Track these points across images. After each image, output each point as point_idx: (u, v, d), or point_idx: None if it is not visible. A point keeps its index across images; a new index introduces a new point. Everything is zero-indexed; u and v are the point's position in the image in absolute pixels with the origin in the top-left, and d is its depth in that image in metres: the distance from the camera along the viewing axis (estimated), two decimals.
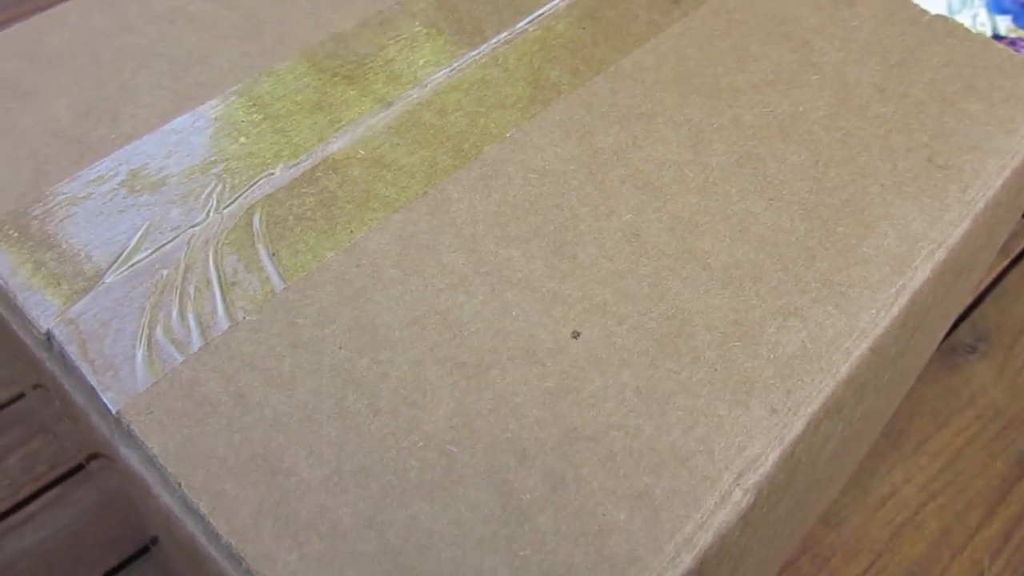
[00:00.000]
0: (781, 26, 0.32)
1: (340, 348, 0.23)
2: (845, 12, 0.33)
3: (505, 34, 0.31)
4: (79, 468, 0.53)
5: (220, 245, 0.25)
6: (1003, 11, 0.73)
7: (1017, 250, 0.67)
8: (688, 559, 0.20)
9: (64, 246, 0.25)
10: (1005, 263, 0.66)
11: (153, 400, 0.22)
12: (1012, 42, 0.72)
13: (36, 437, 0.55)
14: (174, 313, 0.23)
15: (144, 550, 0.50)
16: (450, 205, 0.26)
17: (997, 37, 0.73)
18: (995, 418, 0.58)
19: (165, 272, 0.24)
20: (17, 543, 0.51)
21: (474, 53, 0.31)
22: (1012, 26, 0.73)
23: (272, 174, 0.27)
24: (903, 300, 0.25)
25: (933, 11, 0.33)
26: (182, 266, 0.24)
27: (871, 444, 0.53)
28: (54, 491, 0.53)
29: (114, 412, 0.22)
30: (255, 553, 0.20)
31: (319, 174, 0.27)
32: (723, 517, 0.21)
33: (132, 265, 0.24)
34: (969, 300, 0.65)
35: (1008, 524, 0.54)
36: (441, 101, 0.29)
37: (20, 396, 0.57)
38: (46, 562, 0.50)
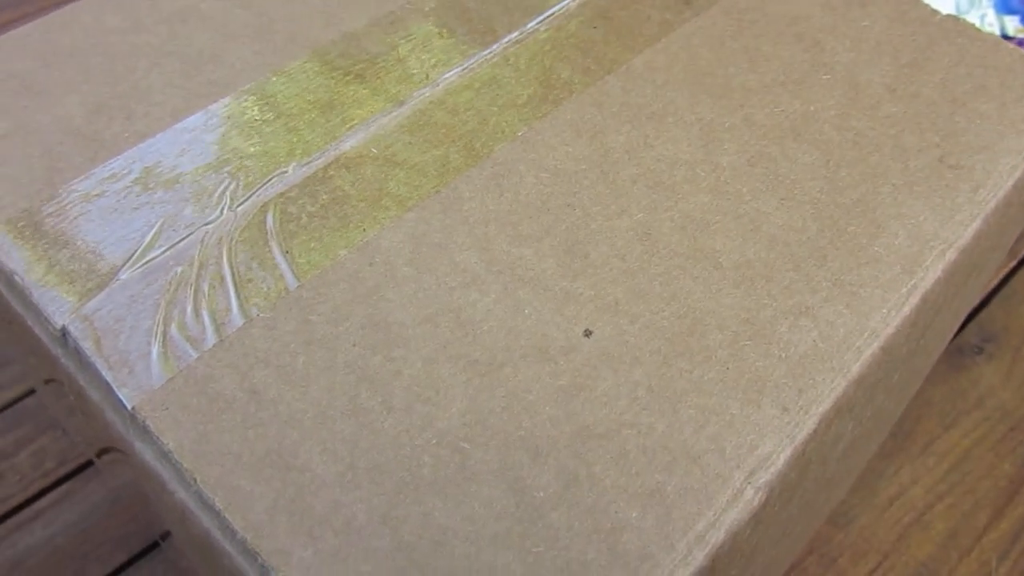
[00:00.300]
0: (792, 26, 0.32)
1: (354, 345, 0.23)
2: (856, 12, 0.33)
3: (516, 33, 0.31)
4: (88, 464, 0.54)
5: (234, 243, 0.25)
6: (1011, 11, 0.73)
7: (1023, 251, 0.67)
8: (700, 556, 0.20)
9: (79, 243, 0.25)
10: (1012, 264, 0.66)
11: (168, 396, 0.22)
12: (1020, 42, 0.72)
13: (46, 433, 0.55)
14: (189, 310, 0.24)
15: (153, 546, 0.50)
16: (462, 204, 0.26)
17: (1005, 37, 0.72)
18: (1002, 419, 0.58)
19: (179, 269, 0.24)
20: (27, 539, 0.51)
21: (485, 52, 0.31)
22: (1020, 26, 0.73)
23: (285, 172, 0.27)
24: (914, 300, 0.25)
25: (942, 11, 0.33)
26: (196, 263, 0.25)
27: (880, 444, 0.53)
28: (63, 487, 0.53)
29: (129, 408, 0.22)
30: (270, 548, 0.20)
31: (332, 172, 0.27)
32: (735, 515, 0.21)
33: (147, 262, 0.25)
34: (978, 300, 0.64)
35: (1016, 525, 0.53)
36: (453, 100, 0.29)
37: (29, 393, 0.57)
38: (56, 558, 0.50)
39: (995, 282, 0.65)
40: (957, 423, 0.58)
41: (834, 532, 0.53)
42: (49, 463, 0.54)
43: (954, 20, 0.33)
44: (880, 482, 0.55)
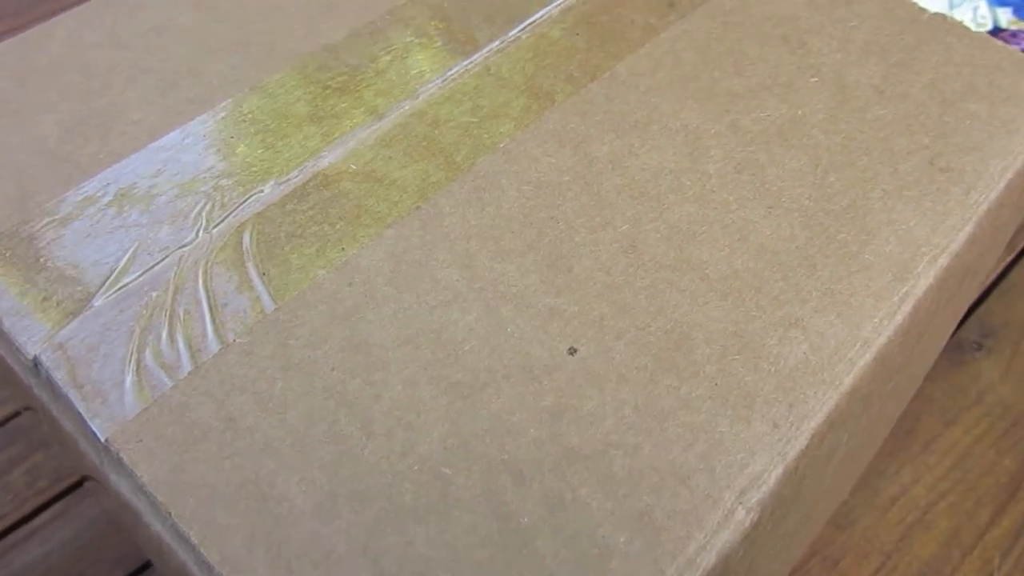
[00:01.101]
0: (778, 27, 0.32)
1: (332, 369, 0.22)
2: (843, 12, 0.32)
3: (498, 43, 0.31)
4: (82, 482, 0.53)
5: (210, 265, 0.25)
6: (1004, 3, 0.72)
7: (1022, 245, 0.66)
8: None
9: (52, 268, 0.25)
10: (1010, 259, 0.66)
11: (142, 427, 0.21)
12: (1013, 34, 0.71)
13: (39, 451, 0.55)
14: (164, 336, 0.23)
15: (147, 565, 0.50)
16: (443, 220, 0.26)
17: (998, 30, 0.72)
18: (1003, 415, 0.58)
19: (155, 294, 0.24)
20: (23, 558, 0.51)
21: (467, 62, 0.30)
22: (1013, 18, 0.72)
23: (262, 191, 0.26)
24: (906, 308, 0.24)
25: (934, 6, 0.32)
26: (172, 288, 0.24)
27: (879, 446, 0.53)
28: (58, 505, 0.53)
29: (103, 440, 0.21)
30: None
31: (310, 190, 0.26)
32: (726, 537, 0.20)
33: (121, 287, 0.24)
34: (973, 299, 0.64)
35: (1018, 522, 0.53)
36: (434, 112, 0.29)
37: (19, 412, 0.56)
38: None
39: (993, 277, 0.65)
40: (958, 420, 0.58)
41: (836, 534, 0.52)
42: (43, 481, 0.54)
43: (942, 18, 0.32)
44: (881, 482, 0.55)
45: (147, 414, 0.22)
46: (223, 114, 0.29)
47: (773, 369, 0.23)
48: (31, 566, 0.51)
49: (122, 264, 0.25)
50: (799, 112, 0.29)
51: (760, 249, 0.25)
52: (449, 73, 0.30)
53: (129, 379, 0.22)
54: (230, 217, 0.26)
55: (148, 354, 0.23)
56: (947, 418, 0.58)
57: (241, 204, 0.26)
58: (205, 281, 0.24)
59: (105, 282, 0.24)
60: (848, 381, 0.23)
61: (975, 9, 0.72)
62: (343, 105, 0.29)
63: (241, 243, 0.25)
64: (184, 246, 0.25)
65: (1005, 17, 0.72)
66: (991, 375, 0.60)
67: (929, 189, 0.27)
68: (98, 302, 0.24)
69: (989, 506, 0.54)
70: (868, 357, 0.23)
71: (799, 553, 0.46)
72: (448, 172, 0.27)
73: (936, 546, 0.52)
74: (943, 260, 0.25)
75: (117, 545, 0.51)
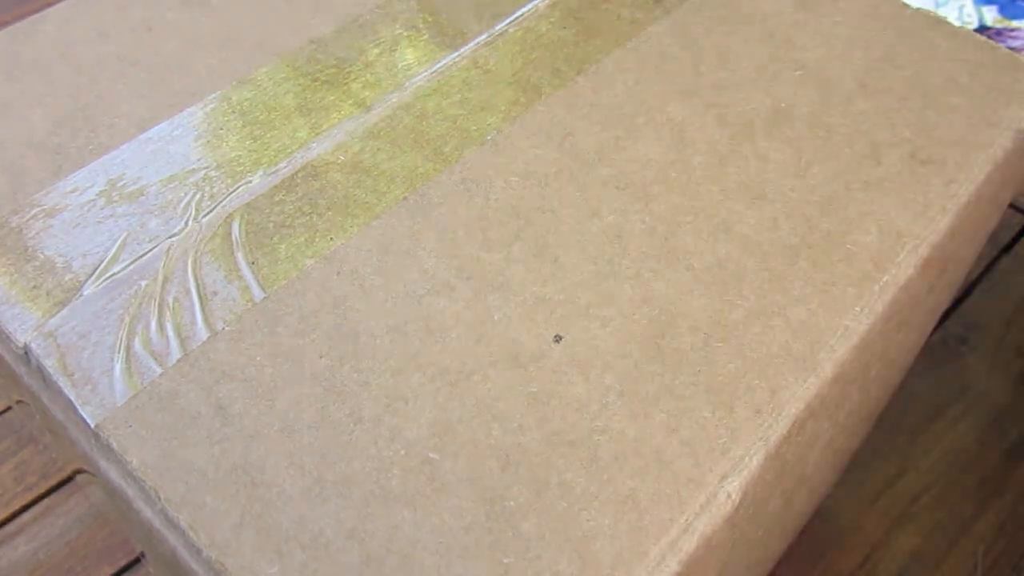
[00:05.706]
0: (763, 23, 0.32)
1: (321, 357, 0.23)
2: (827, 8, 0.33)
3: (485, 36, 0.31)
4: (70, 479, 0.53)
5: (199, 255, 0.25)
6: (989, 1, 0.73)
7: (1006, 240, 0.67)
8: (673, 563, 0.20)
9: (41, 258, 0.25)
10: (994, 254, 0.66)
11: (132, 413, 0.21)
12: (998, 32, 0.72)
13: (27, 447, 0.55)
14: (153, 324, 0.23)
15: (136, 561, 0.50)
16: (431, 210, 0.26)
17: (983, 27, 0.73)
18: (987, 409, 0.58)
19: (144, 283, 0.24)
20: (10, 554, 0.51)
21: (455, 55, 0.31)
22: (999, 16, 0.73)
23: (251, 182, 0.27)
24: (887, 297, 0.25)
25: (918, 3, 0.33)
26: (161, 277, 0.24)
27: (865, 437, 0.53)
28: (45, 502, 0.53)
29: (93, 426, 0.21)
30: (237, 566, 0.19)
31: (299, 180, 0.27)
32: (708, 520, 0.20)
33: (110, 276, 0.24)
34: (957, 293, 0.65)
35: (1002, 515, 0.54)
36: (421, 105, 0.29)
37: (10, 407, 0.56)
38: (39, 573, 0.50)
39: (977, 272, 0.65)
40: (942, 414, 0.58)
41: (821, 526, 0.53)
42: (31, 477, 0.54)
43: (925, 14, 0.32)
44: (867, 475, 0.55)
45: (136, 401, 0.22)
46: (212, 106, 0.29)
47: (755, 356, 0.23)
48: (19, 563, 0.51)
49: (111, 254, 0.25)
50: (783, 105, 0.29)
51: (743, 239, 0.26)
52: (437, 66, 0.30)
53: (119, 366, 0.22)
54: (219, 207, 0.26)
55: (137, 342, 0.23)
56: (932, 412, 0.58)
57: (230, 194, 0.26)
58: (194, 270, 0.24)
59: (95, 271, 0.24)
60: (829, 368, 0.23)
61: (961, 8, 0.72)
62: (331, 97, 0.29)
63: (230, 233, 0.25)
64: (173, 236, 0.25)
65: (991, 15, 0.72)
66: (976, 369, 0.60)
67: (910, 181, 0.27)
68: (88, 291, 0.24)
69: (973, 499, 0.54)
70: (849, 345, 0.24)
71: (784, 544, 0.46)
72: (436, 163, 0.27)
73: (921, 539, 0.53)
74: (923, 250, 0.26)
75: (104, 540, 0.51)
